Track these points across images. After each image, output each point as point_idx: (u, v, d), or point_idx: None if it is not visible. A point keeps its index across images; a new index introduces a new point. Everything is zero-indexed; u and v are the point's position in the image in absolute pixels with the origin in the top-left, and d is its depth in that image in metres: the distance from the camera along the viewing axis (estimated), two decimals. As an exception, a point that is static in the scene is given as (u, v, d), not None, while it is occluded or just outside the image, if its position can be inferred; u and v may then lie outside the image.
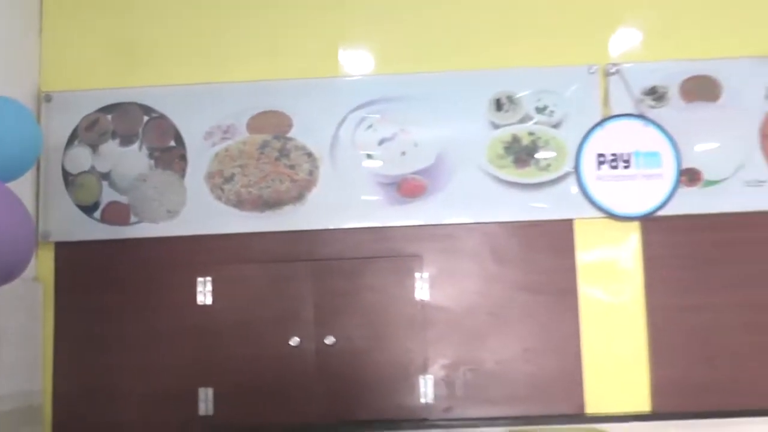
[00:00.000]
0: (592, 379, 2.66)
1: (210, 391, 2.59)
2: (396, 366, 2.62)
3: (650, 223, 2.73)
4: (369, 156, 2.70)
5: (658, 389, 2.67)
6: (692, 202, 2.73)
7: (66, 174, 2.69)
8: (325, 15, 2.80)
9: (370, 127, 2.71)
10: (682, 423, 2.67)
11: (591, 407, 2.65)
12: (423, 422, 2.60)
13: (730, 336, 2.71)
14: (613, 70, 2.78)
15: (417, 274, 2.67)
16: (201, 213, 2.67)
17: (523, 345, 2.67)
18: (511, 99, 2.76)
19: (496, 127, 2.74)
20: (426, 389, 2.61)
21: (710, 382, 2.67)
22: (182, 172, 2.68)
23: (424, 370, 2.62)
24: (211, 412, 2.58)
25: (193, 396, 2.59)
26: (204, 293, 2.64)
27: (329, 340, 2.59)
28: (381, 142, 2.71)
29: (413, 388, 2.61)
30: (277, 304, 2.63)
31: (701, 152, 2.76)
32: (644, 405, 2.68)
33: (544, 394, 2.65)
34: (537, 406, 2.64)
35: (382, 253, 2.68)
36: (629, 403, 2.67)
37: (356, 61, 2.83)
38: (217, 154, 2.69)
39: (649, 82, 2.78)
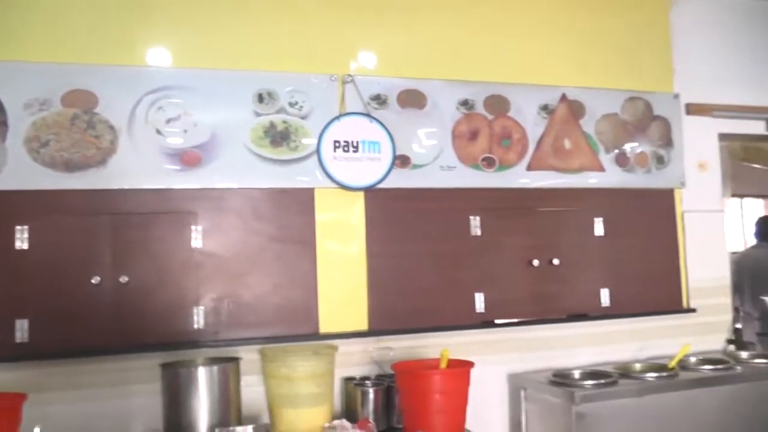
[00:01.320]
0: (325, 307, 3.28)
1: (25, 322, 2.89)
2: (175, 300, 3.07)
3: (371, 194, 3.40)
4: (158, 131, 3.11)
5: (373, 313, 3.36)
6: (402, 180, 3.46)
7: None
8: (126, 12, 3.19)
9: (160, 108, 3.12)
10: (390, 337, 3.41)
11: (324, 328, 3.25)
12: (196, 343, 3.06)
13: (422, 275, 3.47)
14: (349, 79, 3.39)
15: (193, 227, 3.13)
16: (20, 172, 2.92)
17: (273, 282, 3.20)
18: (270, 94, 3.27)
19: (258, 115, 3.24)
20: (198, 318, 3.08)
21: (409, 308, 3.42)
22: (3, 137, 2.92)
23: (197, 302, 3.08)
24: (26, 339, 2.87)
25: (11, 326, 2.88)
26: (21, 240, 2.93)
27: (124, 279, 2.99)
28: (168, 121, 3.13)
29: (188, 317, 3.07)
30: (83, 249, 2.98)
31: (411, 144, 3.50)
32: (363, 325, 3.35)
33: (289, 319, 3.21)
34: (283, 329, 3.19)
35: (166, 210, 3.11)
36: (352, 324, 3.33)
37: (152, 54, 3.20)
38: (34, 123, 2.96)
39: (375, 91, 3.45)
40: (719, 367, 3.53)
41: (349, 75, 3.45)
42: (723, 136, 4.57)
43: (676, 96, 4.33)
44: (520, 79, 3.81)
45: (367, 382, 3.26)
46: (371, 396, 3.18)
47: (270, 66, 3.33)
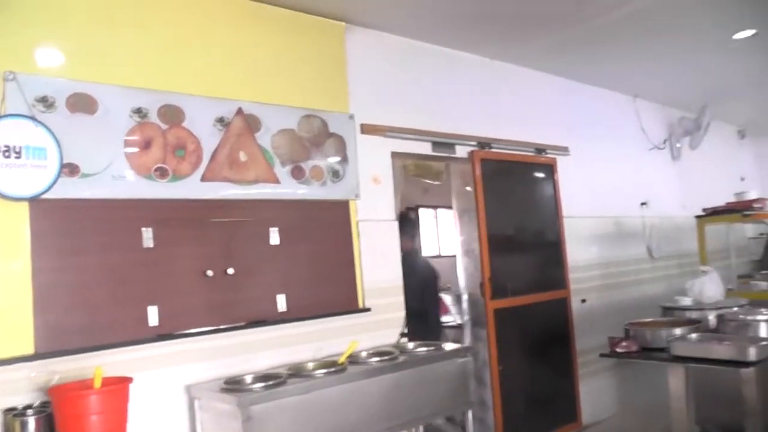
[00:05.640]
0: (-17, 331, 3.34)
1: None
2: None
3: (37, 204, 3.58)
4: None
5: (39, 334, 3.53)
6: (71, 190, 3.71)
7: None
8: None
9: None
10: (59, 359, 3.57)
11: (-18, 356, 3.30)
12: None
13: (93, 290, 3.76)
14: (11, 77, 3.54)
15: None
16: None
17: None
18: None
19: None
20: None
21: (80, 326, 3.68)
22: None
23: None
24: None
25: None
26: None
27: None
28: None
29: None
30: None
31: (80, 151, 3.76)
32: (29, 348, 3.50)
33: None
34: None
35: None
36: (16, 348, 3.46)
37: None
38: None
39: (41, 93, 3.65)
40: (385, 358, 4.43)
41: (11, 72, 3.59)
42: (395, 154, 5.74)
43: (351, 116, 5.38)
44: (196, 91, 4.40)
45: (29, 411, 3.34)
46: (31, 426, 3.30)
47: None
